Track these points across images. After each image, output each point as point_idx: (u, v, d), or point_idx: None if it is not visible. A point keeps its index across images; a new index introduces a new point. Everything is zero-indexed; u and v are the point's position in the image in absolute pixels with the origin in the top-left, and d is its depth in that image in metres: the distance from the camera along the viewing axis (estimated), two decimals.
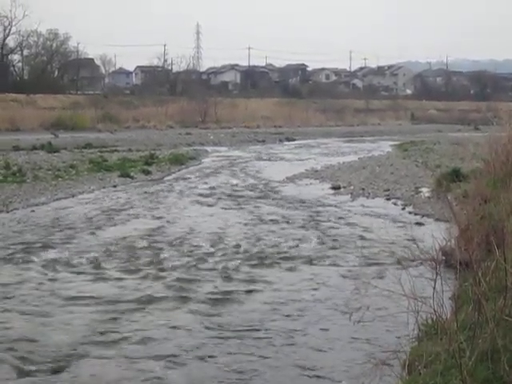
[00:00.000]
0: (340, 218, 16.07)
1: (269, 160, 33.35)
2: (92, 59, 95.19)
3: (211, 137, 50.14)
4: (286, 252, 12.41)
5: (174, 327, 8.33)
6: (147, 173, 25.54)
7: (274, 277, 10.76)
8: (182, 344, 7.74)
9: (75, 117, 54.19)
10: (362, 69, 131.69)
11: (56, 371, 7.02)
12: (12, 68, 79.81)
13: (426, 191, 19.95)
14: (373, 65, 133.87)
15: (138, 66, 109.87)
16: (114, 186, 21.98)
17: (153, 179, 24.31)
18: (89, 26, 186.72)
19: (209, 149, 40.29)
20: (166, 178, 24.85)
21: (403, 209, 17.30)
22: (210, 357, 7.39)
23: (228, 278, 10.60)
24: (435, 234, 9.47)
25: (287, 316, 8.77)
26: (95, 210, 17.24)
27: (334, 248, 12.74)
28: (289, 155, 36.43)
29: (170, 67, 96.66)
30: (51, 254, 12.16)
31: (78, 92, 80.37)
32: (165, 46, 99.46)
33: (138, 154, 33.23)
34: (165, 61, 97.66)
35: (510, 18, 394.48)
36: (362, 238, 13.69)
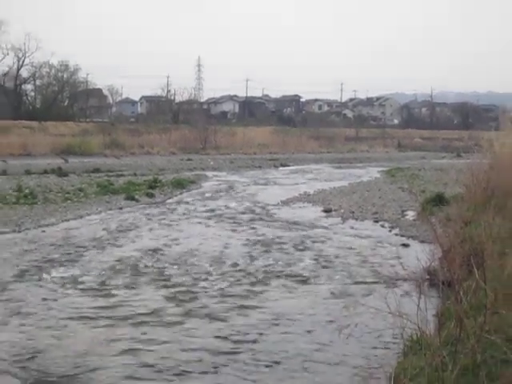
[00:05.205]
0: (331, 239, 16.07)
1: (265, 184, 33.35)
2: (100, 89, 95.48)
3: (211, 162, 50.16)
4: (280, 271, 12.40)
5: (175, 340, 8.32)
6: (151, 196, 25.54)
7: (268, 294, 10.74)
8: (183, 357, 7.73)
9: (84, 143, 54.12)
10: (352, 100, 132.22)
11: (65, 381, 7.01)
12: (25, 97, 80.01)
13: (411, 214, 19.97)
14: (362, 96, 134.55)
15: (143, 96, 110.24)
16: (120, 208, 21.97)
17: (156, 202, 24.30)
18: (97, 58, 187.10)
19: (209, 174, 40.26)
20: (168, 201, 24.85)
21: (390, 231, 17.31)
22: (211, 367, 7.39)
23: (226, 296, 10.58)
24: (420, 255, 9.46)
25: (279, 331, 8.74)
26: (102, 230, 17.23)
27: (325, 267, 12.74)
28: (283, 180, 36.46)
29: (172, 97, 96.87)
30: (60, 272, 12.15)
31: (87, 120, 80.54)
32: (168, 77, 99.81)
33: (142, 178, 33.22)
34: (168, 91, 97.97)
35: (491, 54, 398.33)
36: (351, 258, 13.68)
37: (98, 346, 8.12)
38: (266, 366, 7.49)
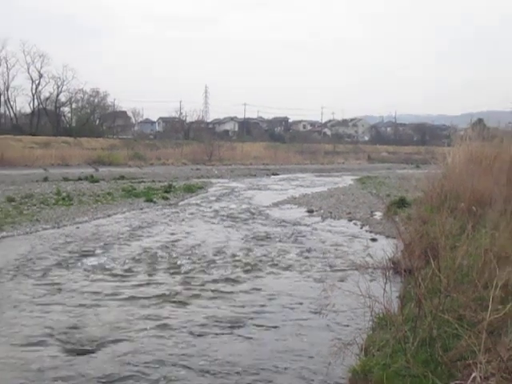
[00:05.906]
0: (313, 234, 16.05)
1: (259, 189, 33.31)
2: (125, 111, 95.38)
3: (215, 171, 50.11)
4: (271, 260, 12.37)
5: (190, 313, 8.35)
6: (166, 199, 25.50)
7: (263, 278, 10.73)
8: (199, 324, 7.72)
9: (112, 155, 54.07)
10: (330, 121, 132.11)
11: (93, 350, 6.98)
12: (63, 117, 79.95)
13: (378, 214, 19.97)
14: (339, 118, 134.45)
15: (160, 117, 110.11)
16: (141, 209, 21.92)
17: (170, 204, 24.25)
18: (123, 85, 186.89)
19: (213, 181, 40.21)
20: (180, 203, 24.79)
21: (361, 228, 17.29)
22: (223, 331, 7.37)
23: (226, 280, 10.56)
24: (386, 248, 9.49)
25: (270, 309, 8.73)
26: (126, 226, 17.18)
27: (307, 257, 12.71)
28: (274, 186, 36.42)
29: (184, 118, 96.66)
30: (91, 260, 12.11)
31: (114, 136, 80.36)
32: (181, 102, 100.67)
33: (159, 184, 33.16)
34: (180, 113, 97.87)
35: (442, 84, 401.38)
36: (329, 250, 13.66)
37: (126, 319, 8.14)
38: (256, 337, 7.51)
